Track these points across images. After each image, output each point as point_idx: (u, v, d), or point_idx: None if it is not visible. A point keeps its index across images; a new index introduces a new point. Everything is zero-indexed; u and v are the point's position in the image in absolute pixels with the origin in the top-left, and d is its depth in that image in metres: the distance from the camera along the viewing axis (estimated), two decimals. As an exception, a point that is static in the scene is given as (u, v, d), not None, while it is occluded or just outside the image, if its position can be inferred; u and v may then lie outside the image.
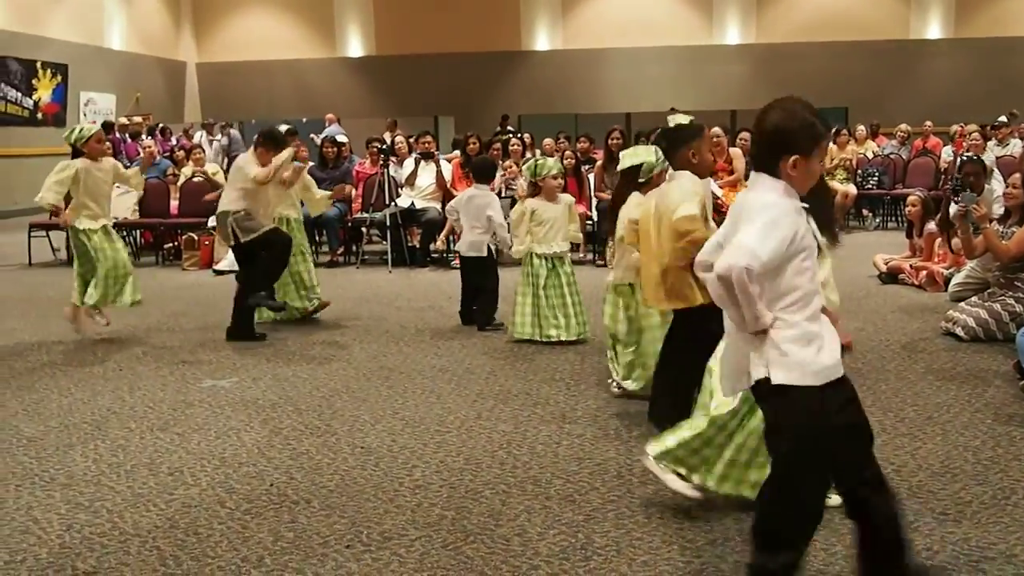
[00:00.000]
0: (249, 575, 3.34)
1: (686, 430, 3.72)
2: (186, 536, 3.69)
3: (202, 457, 4.59)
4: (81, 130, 7.18)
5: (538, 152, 13.46)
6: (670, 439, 3.73)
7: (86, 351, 6.89)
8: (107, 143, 7.46)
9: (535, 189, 6.84)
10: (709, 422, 3.67)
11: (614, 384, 5.45)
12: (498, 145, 12.12)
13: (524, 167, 7.01)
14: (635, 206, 5.03)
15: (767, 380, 2.68)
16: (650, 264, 4.56)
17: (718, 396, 3.63)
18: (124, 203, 11.47)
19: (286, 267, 7.36)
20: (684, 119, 5.21)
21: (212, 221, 11.32)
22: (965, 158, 9.69)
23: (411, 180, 11.14)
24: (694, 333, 4.29)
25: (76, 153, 7.12)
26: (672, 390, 4.55)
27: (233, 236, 7.10)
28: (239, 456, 4.59)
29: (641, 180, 5.18)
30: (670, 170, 4.57)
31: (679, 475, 3.72)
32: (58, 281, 10.24)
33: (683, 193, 4.31)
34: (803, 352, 2.65)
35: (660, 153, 4.98)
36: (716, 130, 12.01)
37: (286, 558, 3.47)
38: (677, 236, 4.26)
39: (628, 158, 5.29)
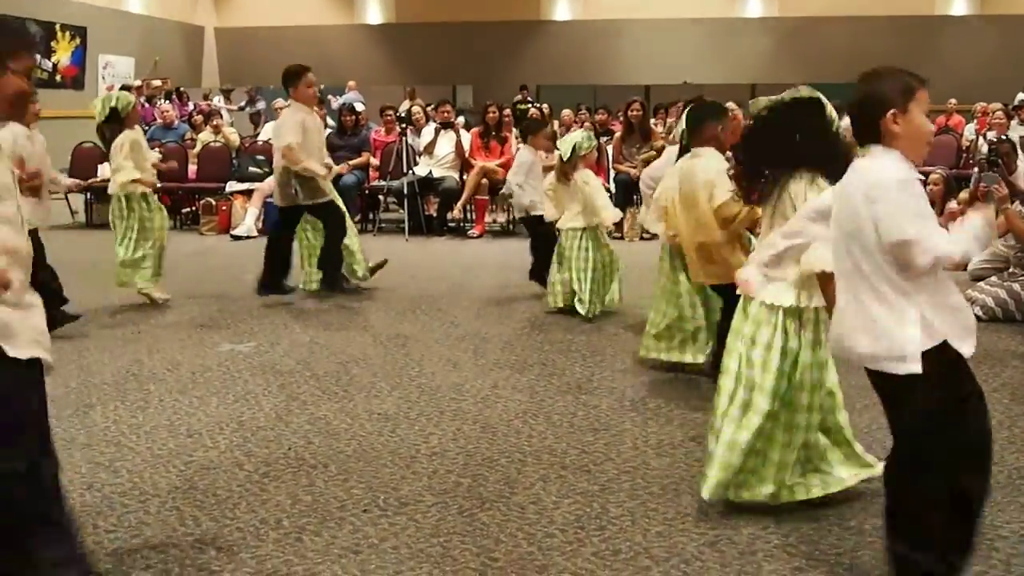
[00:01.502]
0: (267, 536, 3.38)
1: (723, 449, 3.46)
2: (205, 497, 3.73)
3: (220, 420, 4.63)
4: (118, 99, 7.03)
5: (556, 123, 13.41)
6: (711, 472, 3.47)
7: (104, 313, 6.93)
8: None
9: (573, 166, 6.59)
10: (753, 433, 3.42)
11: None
12: (508, 113, 12.03)
13: (572, 142, 6.63)
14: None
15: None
16: (686, 243, 4.60)
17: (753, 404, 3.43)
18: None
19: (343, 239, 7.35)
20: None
21: (231, 187, 11.37)
22: (994, 138, 9.60)
23: (430, 149, 11.13)
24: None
25: (114, 120, 6.99)
26: None
27: (295, 196, 7.04)
28: (257, 420, 4.63)
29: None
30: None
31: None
32: (77, 243, 10.31)
33: (715, 175, 4.30)
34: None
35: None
36: (731, 104, 11.91)
37: (304, 521, 3.51)
38: (723, 223, 4.29)
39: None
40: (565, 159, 6.60)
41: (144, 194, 7.06)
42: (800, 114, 3.49)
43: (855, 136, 2.73)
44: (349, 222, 7.79)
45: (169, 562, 3.20)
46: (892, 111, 2.58)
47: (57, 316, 6.18)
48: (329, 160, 8.33)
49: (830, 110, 3.52)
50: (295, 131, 6.90)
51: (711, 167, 4.40)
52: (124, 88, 18.44)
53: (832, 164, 3.30)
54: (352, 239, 7.60)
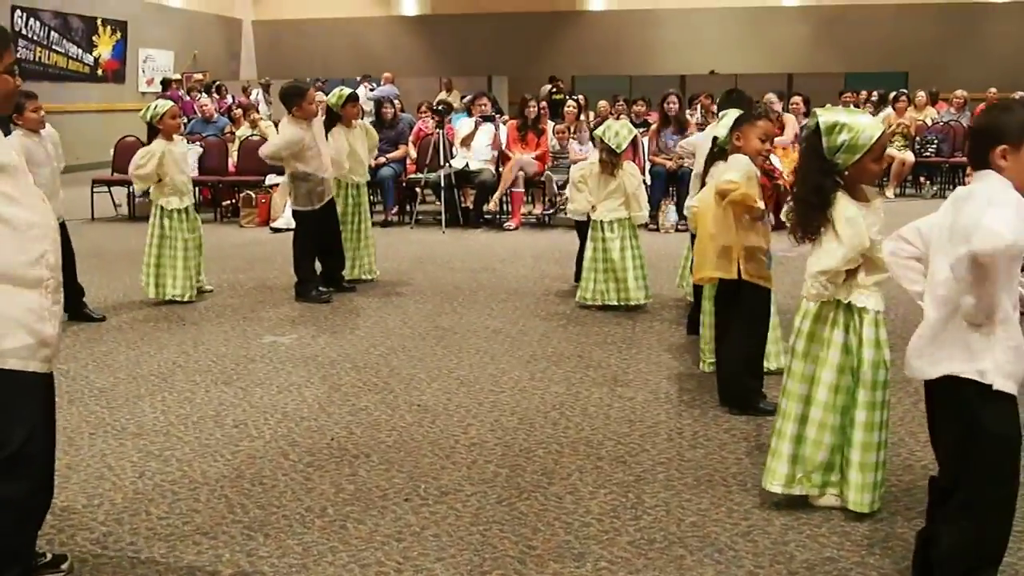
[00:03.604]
0: (313, 524, 3.50)
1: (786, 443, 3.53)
2: (252, 486, 3.85)
3: (265, 411, 4.76)
4: (156, 107, 7.13)
5: (591, 114, 13.44)
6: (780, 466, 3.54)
7: (150, 306, 7.09)
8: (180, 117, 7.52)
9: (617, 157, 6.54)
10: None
11: None
12: (544, 104, 12.00)
13: (623, 135, 6.53)
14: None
15: (975, 382, 2.67)
16: (703, 240, 4.69)
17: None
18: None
19: (311, 257, 7.36)
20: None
21: (271, 179, 11.53)
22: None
23: (467, 141, 11.20)
24: (742, 308, 4.59)
25: (152, 131, 7.09)
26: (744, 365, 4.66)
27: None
28: (301, 411, 4.75)
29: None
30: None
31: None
32: (121, 235, 10.52)
33: (734, 170, 4.49)
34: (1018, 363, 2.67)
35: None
36: (770, 96, 11.89)
37: (348, 509, 3.62)
38: (719, 200, 4.45)
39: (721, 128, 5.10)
40: (619, 151, 6.49)
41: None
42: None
43: (969, 160, 2.83)
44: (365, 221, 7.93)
45: (219, 548, 3.32)
46: (1003, 147, 2.67)
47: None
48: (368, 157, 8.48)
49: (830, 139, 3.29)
50: (282, 144, 7.10)
51: (736, 166, 4.52)
52: (163, 82, 18.76)
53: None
54: (366, 240, 7.87)
